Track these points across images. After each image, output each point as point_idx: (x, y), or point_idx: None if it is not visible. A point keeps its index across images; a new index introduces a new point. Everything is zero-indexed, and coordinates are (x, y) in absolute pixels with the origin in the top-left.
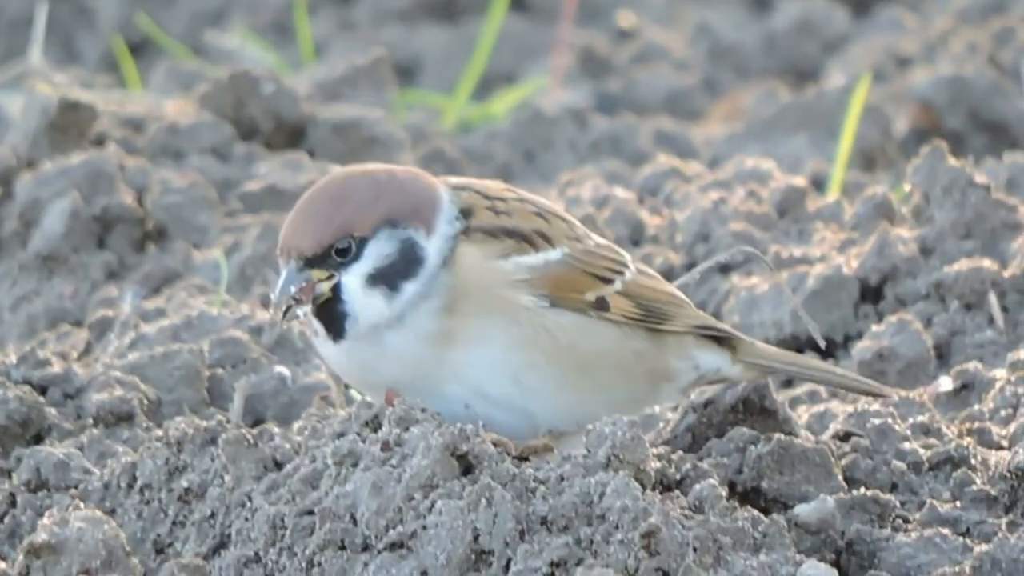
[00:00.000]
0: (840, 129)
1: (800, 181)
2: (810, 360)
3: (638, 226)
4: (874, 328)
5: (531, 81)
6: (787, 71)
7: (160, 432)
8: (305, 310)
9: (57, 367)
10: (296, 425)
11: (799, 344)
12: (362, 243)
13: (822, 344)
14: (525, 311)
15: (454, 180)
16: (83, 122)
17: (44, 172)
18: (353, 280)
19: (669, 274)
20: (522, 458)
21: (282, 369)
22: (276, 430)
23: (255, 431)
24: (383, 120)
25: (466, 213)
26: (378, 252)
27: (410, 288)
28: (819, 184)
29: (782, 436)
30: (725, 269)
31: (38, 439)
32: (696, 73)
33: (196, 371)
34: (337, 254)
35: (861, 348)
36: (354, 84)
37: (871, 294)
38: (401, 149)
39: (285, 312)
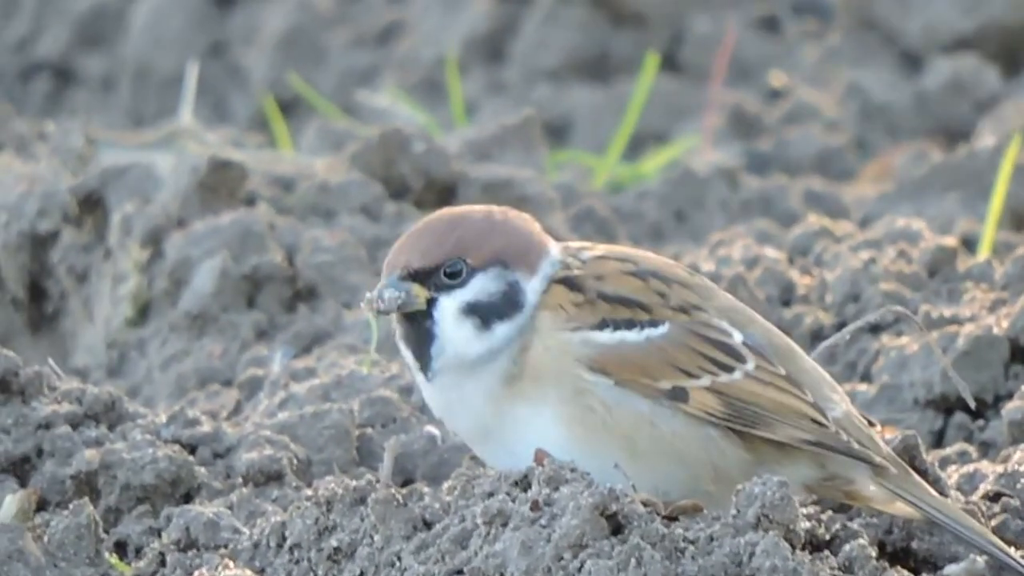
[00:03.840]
0: (991, 189)
1: (951, 241)
2: (964, 516)
3: (788, 286)
4: None
5: (682, 140)
6: (938, 131)
7: (310, 491)
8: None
9: (207, 426)
10: (446, 484)
11: (949, 404)
12: (472, 272)
13: (972, 404)
14: (581, 388)
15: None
16: (233, 181)
17: (194, 231)
18: (451, 304)
19: (819, 334)
20: (671, 518)
21: (432, 428)
22: (426, 489)
23: (405, 491)
24: (534, 179)
25: (561, 277)
26: (484, 286)
27: (501, 330)
28: (970, 244)
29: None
30: (875, 329)
31: (188, 498)
32: (847, 133)
33: (346, 430)
34: (446, 275)
35: (1011, 408)
36: (504, 143)
37: (1022, 354)
38: (552, 208)
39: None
